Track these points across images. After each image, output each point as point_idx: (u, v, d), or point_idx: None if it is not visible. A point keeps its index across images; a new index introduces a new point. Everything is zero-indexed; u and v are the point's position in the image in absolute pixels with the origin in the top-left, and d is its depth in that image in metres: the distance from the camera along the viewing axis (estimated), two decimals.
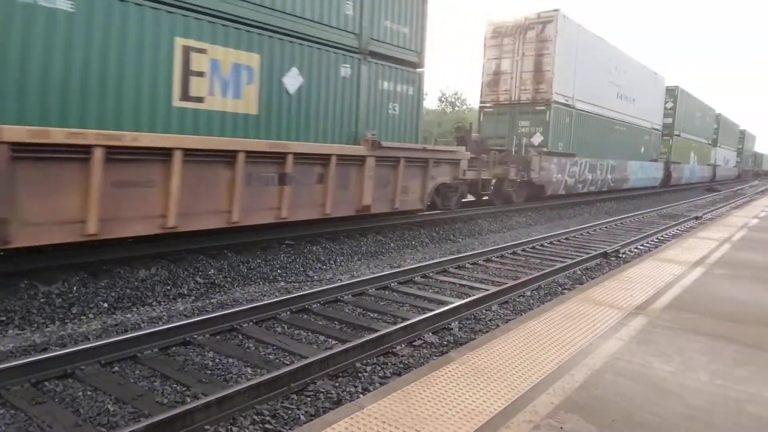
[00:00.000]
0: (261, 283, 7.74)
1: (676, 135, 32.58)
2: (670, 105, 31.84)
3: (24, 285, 6.18)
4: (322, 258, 9.15)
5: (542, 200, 18.80)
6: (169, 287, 6.97)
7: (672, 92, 31.88)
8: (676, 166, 33.11)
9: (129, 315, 6.10)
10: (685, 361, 3.66)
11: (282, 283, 7.78)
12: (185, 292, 6.98)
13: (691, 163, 36.84)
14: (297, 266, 8.59)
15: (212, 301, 6.77)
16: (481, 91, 19.77)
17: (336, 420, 2.65)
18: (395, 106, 11.22)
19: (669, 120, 31.80)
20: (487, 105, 19.65)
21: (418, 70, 11.89)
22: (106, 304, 6.26)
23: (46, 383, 4.24)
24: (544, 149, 18.05)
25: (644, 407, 2.94)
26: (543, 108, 18.15)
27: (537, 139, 18.31)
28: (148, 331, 5.08)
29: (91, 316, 5.97)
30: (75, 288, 6.40)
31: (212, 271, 7.70)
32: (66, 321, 5.77)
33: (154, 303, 6.55)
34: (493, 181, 16.47)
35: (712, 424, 2.80)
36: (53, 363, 4.36)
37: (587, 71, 20.21)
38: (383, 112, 10.94)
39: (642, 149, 27.26)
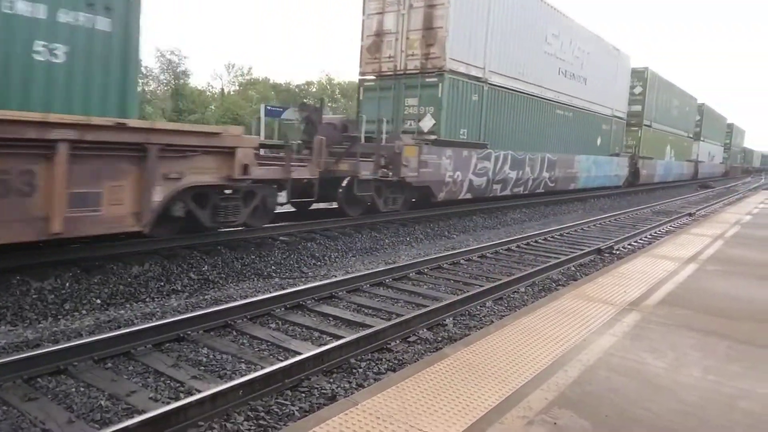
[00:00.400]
0: (255, 279, 7.72)
1: (646, 125, 27.67)
2: (638, 90, 27.12)
3: (16, 281, 6.14)
4: (317, 254, 9.14)
5: (430, 208, 14.05)
6: (162, 283, 6.94)
7: (640, 75, 26.91)
8: (646, 161, 28.31)
9: (122, 311, 6.07)
10: (678, 357, 3.68)
11: (276, 279, 7.77)
12: (179, 288, 6.95)
13: (666, 158, 32.12)
14: (291, 262, 8.57)
15: (206, 297, 6.75)
16: (360, 58, 14.52)
17: (330, 416, 2.64)
18: (57, 48, 6.40)
19: (637, 107, 26.94)
20: (368, 78, 14.54)
21: None
22: (99, 300, 6.23)
23: (39, 379, 4.21)
24: (433, 136, 13.34)
25: (637, 403, 2.95)
26: (434, 80, 13.26)
27: (427, 123, 13.50)
28: (141, 327, 5.05)
29: (83, 312, 5.94)
30: (68, 284, 6.36)
31: (206, 267, 7.67)
32: (59, 317, 5.74)
33: (147, 299, 6.52)
34: (344, 181, 11.46)
35: (706, 420, 2.82)
36: (46, 359, 4.33)
37: (508, 35, 15.37)
38: (23, 58, 6.17)
39: (598, 141, 22.41)
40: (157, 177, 6.87)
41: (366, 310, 6.43)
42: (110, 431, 3.25)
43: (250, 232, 9.13)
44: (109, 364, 4.59)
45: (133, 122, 6.67)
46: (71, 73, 6.58)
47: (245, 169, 8.05)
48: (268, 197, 9.04)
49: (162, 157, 6.86)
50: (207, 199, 7.97)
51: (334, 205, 12.34)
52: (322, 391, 4.26)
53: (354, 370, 4.68)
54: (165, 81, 45.82)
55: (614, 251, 10.84)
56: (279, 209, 10.14)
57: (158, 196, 6.94)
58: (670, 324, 4.37)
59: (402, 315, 5.93)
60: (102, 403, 3.93)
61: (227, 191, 8.24)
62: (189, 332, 5.24)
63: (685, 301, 5.08)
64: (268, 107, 14.94)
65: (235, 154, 7.87)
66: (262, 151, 10.68)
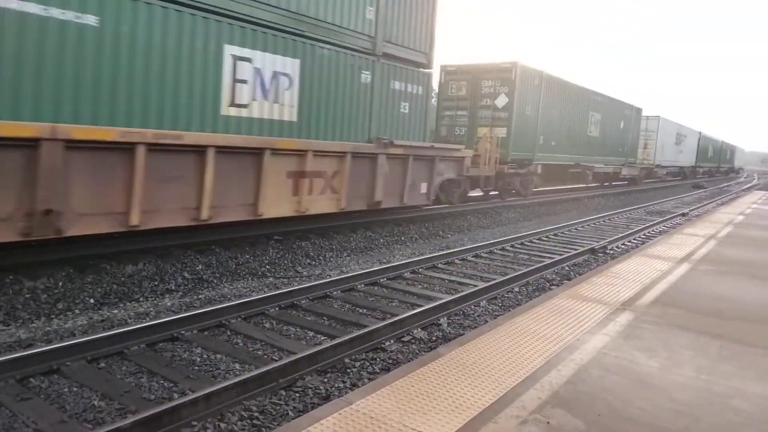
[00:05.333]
0: (249, 278, 7.71)
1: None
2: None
3: (9, 280, 6.10)
4: (311, 254, 9.12)
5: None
6: (156, 283, 6.92)
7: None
8: None
9: (116, 311, 6.04)
10: (671, 356, 3.69)
11: (270, 279, 7.76)
12: (173, 287, 6.93)
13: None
14: (286, 262, 8.56)
15: (200, 296, 6.73)
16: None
17: (324, 416, 2.64)
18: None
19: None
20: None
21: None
22: (92, 300, 6.20)
23: (32, 379, 4.20)
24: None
25: (630, 402, 2.97)
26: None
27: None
28: (135, 326, 5.04)
29: (77, 311, 5.92)
30: (61, 283, 6.33)
31: (200, 266, 7.65)
32: (52, 317, 5.71)
33: (141, 299, 6.50)
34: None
35: (698, 419, 2.83)
36: (39, 359, 4.32)
37: None
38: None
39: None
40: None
41: (360, 310, 6.43)
42: (103, 431, 3.24)
43: (244, 230, 9.15)
44: (103, 364, 4.57)
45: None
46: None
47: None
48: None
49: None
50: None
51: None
52: (317, 390, 4.26)
53: (348, 370, 4.68)
54: None
55: (608, 251, 10.88)
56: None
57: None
58: (663, 323, 4.39)
59: (396, 314, 5.93)
60: (95, 403, 3.91)
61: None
62: (183, 332, 5.23)
63: (677, 301, 5.11)
64: None
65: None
66: None
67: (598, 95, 22.97)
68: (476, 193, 16.90)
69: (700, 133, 44.09)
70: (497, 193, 17.37)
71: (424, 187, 12.23)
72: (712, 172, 53.99)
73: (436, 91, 17.36)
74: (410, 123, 11.78)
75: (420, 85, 11.90)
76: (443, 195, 13.73)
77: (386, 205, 11.12)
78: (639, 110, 28.82)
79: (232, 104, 7.98)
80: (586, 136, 22.28)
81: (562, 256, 9.73)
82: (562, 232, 13.14)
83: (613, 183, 29.04)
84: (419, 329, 5.77)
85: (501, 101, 16.73)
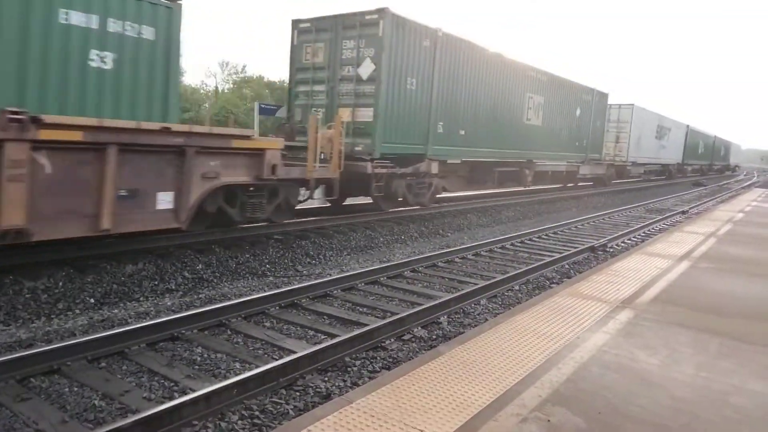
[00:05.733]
0: (249, 278, 7.71)
1: None
2: None
3: (9, 280, 6.10)
4: (311, 252, 9.13)
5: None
6: (156, 282, 6.92)
7: None
8: None
9: (116, 310, 6.05)
10: (670, 353, 3.70)
11: (271, 278, 7.76)
12: (173, 287, 6.93)
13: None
14: (286, 261, 8.56)
15: (200, 296, 6.73)
16: None
17: (325, 414, 2.65)
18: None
19: None
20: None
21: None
22: (92, 300, 6.20)
23: (32, 379, 4.20)
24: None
25: (630, 400, 2.97)
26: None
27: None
28: (135, 326, 5.04)
29: (77, 311, 5.92)
30: (61, 283, 6.33)
31: (200, 266, 7.65)
32: (52, 317, 5.71)
33: (141, 298, 6.50)
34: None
35: (697, 416, 2.84)
36: (39, 359, 4.32)
37: None
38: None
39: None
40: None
41: (361, 309, 6.43)
42: (104, 431, 3.24)
43: (246, 230, 9.13)
44: (103, 364, 4.57)
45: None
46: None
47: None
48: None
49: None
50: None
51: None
52: (317, 389, 4.26)
53: (349, 369, 4.69)
54: None
55: (608, 249, 10.88)
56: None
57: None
58: (662, 321, 4.39)
59: (397, 313, 5.94)
60: (96, 402, 3.92)
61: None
62: (183, 331, 5.23)
63: (677, 299, 5.11)
64: (262, 105, 14.71)
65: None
66: None
67: (539, 73, 17.53)
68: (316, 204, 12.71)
69: (687, 126, 39.05)
70: (373, 202, 12.61)
71: (164, 201, 7.09)
72: (704, 170, 48.75)
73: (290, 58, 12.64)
74: (126, 88, 7.24)
75: (150, 25, 7.38)
76: (234, 211, 8.46)
77: (46, 236, 6.01)
78: (603, 95, 23.19)
79: None
80: (521, 125, 16.74)
81: (562, 255, 9.73)
82: (561, 230, 13.14)
83: (574, 185, 23.77)
84: (419, 328, 5.77)
85: (366, 70, 11.47)
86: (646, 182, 32.95)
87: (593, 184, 25.51)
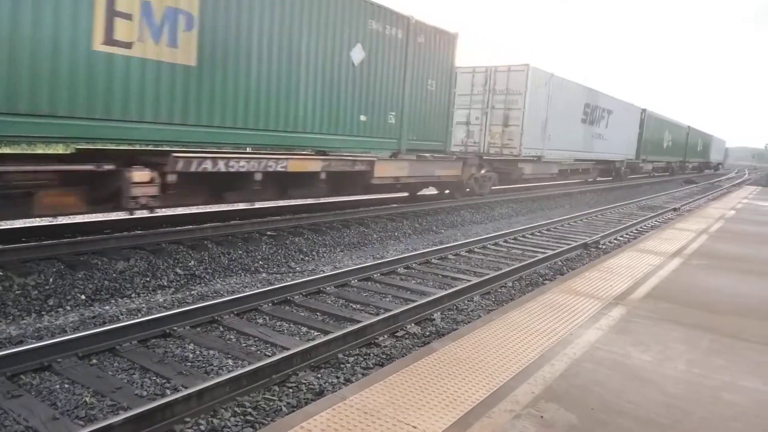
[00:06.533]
0: (242, 274, 7.68)
1: None
2: None
3: None
4: (305, 249, 9.10)
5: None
6: (148, 279, 6.88)
7: None
8: None
9: (107, 307, 6.01)
10: (663, 350, 3.71)
11: (264, 275, 7.73)
12: (165, 283, 6.89)
13: None
14: (279, 257, 8.53)
15: (192, 292, 6.70)
16: None
17: (318, 411, 2.63)
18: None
19: None
20: None
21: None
22: (83, 296, 6.16)
23: (22, 376, 4.16)
24: None
25: (623, 396, 2.98)
26: None
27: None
28: (126, 323, 5.01)
29: (68, 308, 5.87)
30: (52, 279, 6.28)
31: (192, 262, 7.61)
32: (42, 313, 5.67)
33: (133, 295, 6.46)
34: None
35: (690, 412, 2.85)
36: (29, 356, 4.28)
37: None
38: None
39: None
40: None
41: (354, 305, 6.42)
42: (95, 428, 3.22)
43: (238, 226, 9.10)
44: (94, 361, 4.54)
45: None
46: None
47: None
48: None
49: None
50: None
51: None
52: (310, 386, 4.25)
53: (342, 365, 4.68)
54: None
55: (600, 246, 10.92)
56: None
57: None
58: (655, 318, 4.41)
59: (390, 310, 5.93)
60: (87, 399, 3.89)
61: None
62: (175, 328, 5.20)
63: (670, 295, 5.13)
64: None
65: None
66: None
67: None
68: None
69: (644, 111, 29.73)
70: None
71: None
72: (673, 168, 39.68)
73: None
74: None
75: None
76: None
77: None
78: (452, 36, 13.14)
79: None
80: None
81: (555, 251, 9.76)
82: (554, 227, 13.18)
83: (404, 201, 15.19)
84: (413, 324, 5.77)
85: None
86: (635, 180, 30.86)
87: (436, 192, 15.85)
